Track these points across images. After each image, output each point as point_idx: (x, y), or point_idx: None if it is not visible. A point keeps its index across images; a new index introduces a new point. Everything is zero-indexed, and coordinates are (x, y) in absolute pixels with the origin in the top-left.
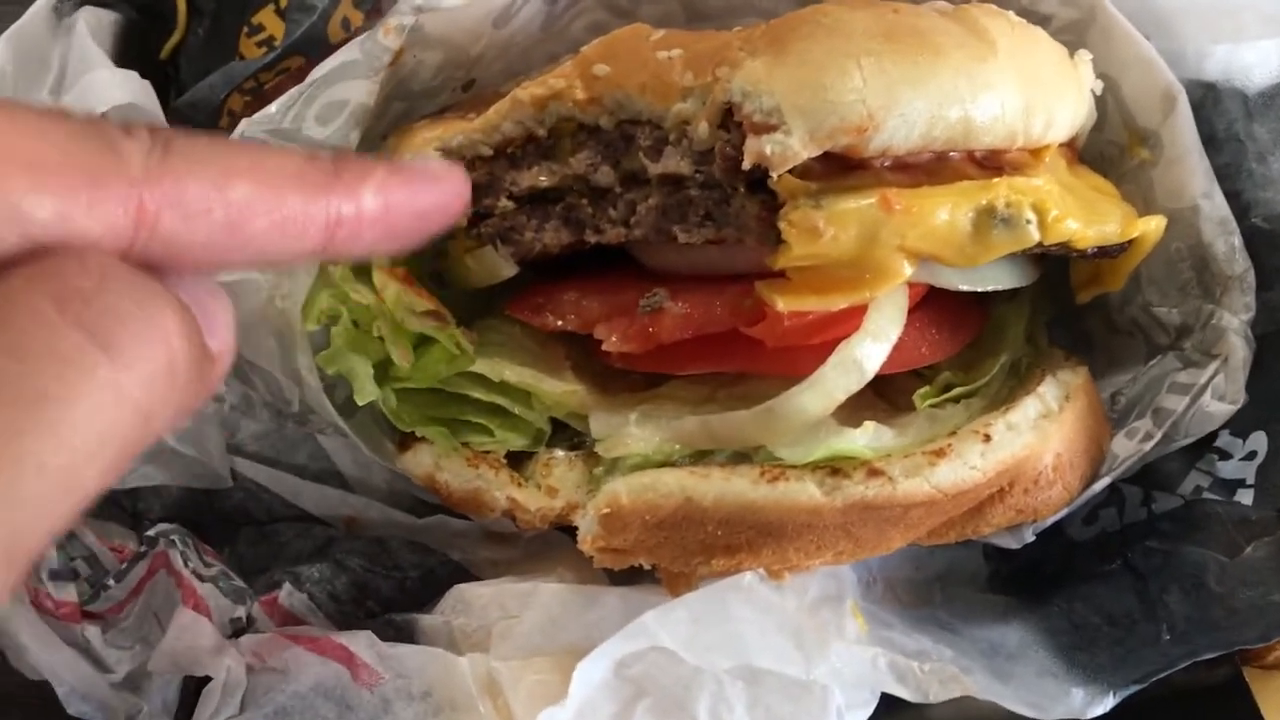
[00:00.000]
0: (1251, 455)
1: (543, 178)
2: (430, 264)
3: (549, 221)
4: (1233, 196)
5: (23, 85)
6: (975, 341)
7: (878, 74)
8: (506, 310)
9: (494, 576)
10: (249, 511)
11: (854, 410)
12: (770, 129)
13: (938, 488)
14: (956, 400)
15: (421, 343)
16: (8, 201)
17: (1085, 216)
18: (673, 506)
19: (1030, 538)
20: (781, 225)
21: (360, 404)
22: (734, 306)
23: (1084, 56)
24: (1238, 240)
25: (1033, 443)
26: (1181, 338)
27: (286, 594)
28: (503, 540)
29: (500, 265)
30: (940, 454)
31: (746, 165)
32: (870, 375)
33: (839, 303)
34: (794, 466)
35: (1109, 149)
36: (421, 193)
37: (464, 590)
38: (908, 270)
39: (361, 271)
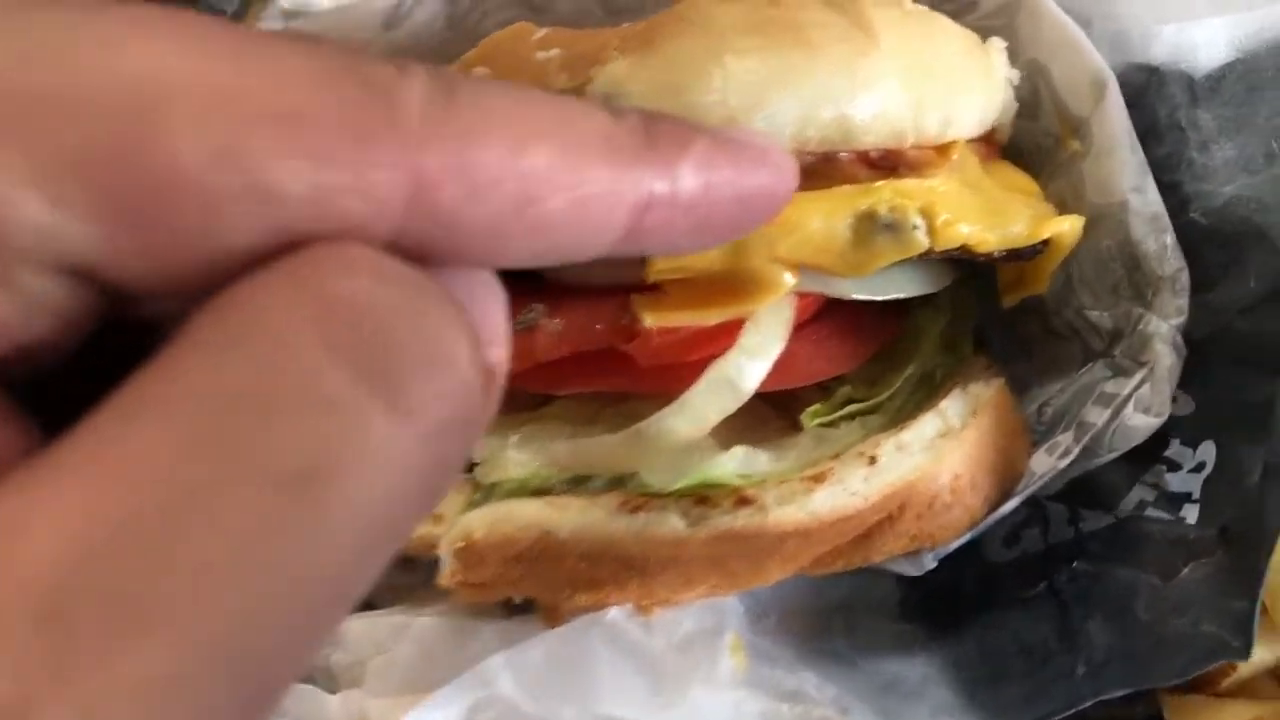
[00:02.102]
0: (1200, 467)
1: None
2: None
3: None
4: (1172, 190)
5: None
6: (887, 351)
7: (742, 73)
8: None
9: (392, 603)
10: None
11: (748, 430)
12: None
13: (814, 515)
14: (853, 417)
15: None
16: (251, 172)
17: (986, 219)
18: (529, 540)
19: (931, 564)
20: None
21: None
22: (612, 323)
23: (996, 44)
24: (1170, 238)
25: (925, 464)
26: (1114, 343)
27: None
28: (404, 565)
29: None
30: (819, 479)
31: None
32: (747, 395)
33: (713, 317)
34: (659, 495)
35: (1045, 140)
36: (749, 173)
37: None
38: (789, 281)
39: None
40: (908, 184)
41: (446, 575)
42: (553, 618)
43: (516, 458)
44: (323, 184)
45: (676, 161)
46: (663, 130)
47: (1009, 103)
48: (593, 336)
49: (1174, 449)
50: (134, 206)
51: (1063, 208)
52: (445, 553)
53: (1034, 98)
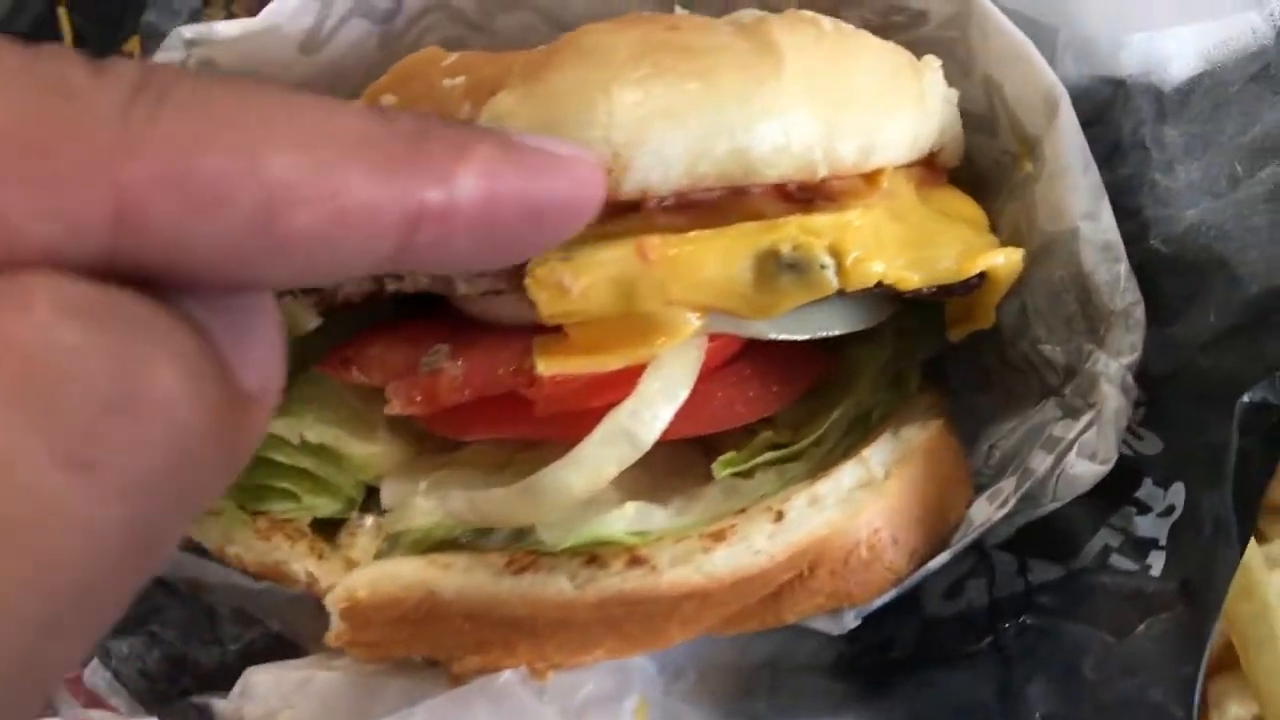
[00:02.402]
0: (1169, 510)
1: None
2: None
3: None
4: (1132, 215)
5: None
6: (822, 390)
7: (629, 105)
8: (315, 366)
9: (316, 650)
10: None
11: (664, 480)
12: None
13: (710, 577)
14: (772, 465)
15: None
16: None
17: (910, 253)
18: (414, 601)
19: (853, 623)
20: (527, 282)
21: None
22: (516, 367)
23: (930, 63)
24: (1124, 268)
25: (838, 519)
26: (1067, 380)
27: (90, 672)
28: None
29: (303, 316)
30: (719, 537)
31: None
32: (646, 445)
33: (612, 363)
34: (549, 554)
35: (1003, 158)
36: (542, 182)
37: (251, 674)
38: (694, 324)
39: None
40: (817, 220)
41: (333, 636)
42: (455, 677)
43: (423, 506)
44: None
45: (453, 169)
46: (439, 135)
47: (950, 124)
48: (495, 381)
49: (1146, 489)
50: None
51: (1017, 233)
52: (331, 612)
53: (991, 114)
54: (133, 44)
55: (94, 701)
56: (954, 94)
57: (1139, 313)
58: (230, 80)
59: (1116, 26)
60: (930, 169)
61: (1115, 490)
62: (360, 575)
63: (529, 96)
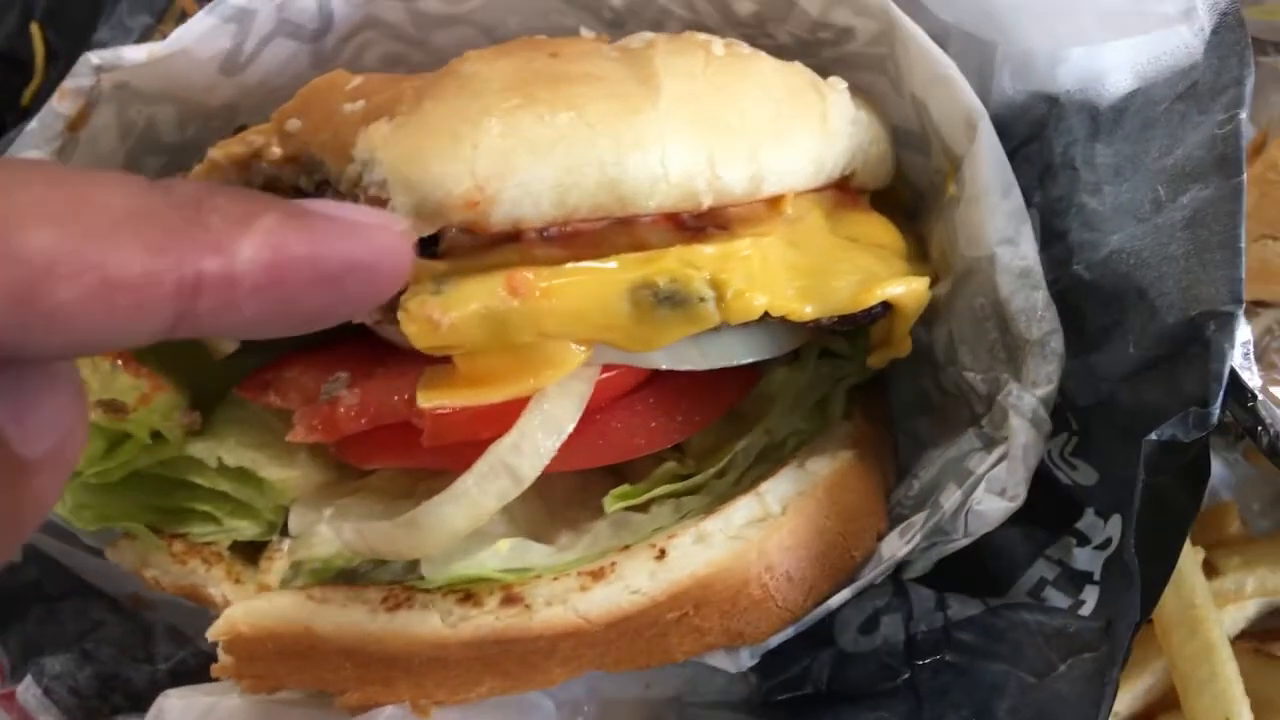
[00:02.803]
0: (1106, 544)
1: None
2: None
3: None
4: (1059, 238)
5: None
6: (736, 417)
7: (495, 137)
8: (236, 389)
9: None
10: (41, 587)
11: (566, 511)
12: (381, 203)
13: (585, 617)
14: (671, 497)
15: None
16: None
17: (804, 282)
18: (293, 635)
19: (749, 661)
20: (399, 315)
21: None
22: (411, 396)
23: (836, 85)
24: (1042, 296)
25: (724, 558)
26: (986, 411)
27: (24, 688)
28: None
29: (220, 341)
30: (598, 575)
31: None
32: (528, 480)
33: (493, 395)
34: (425, 590)
35: (936, 178)
36: (335, 248)
37: (165, 698)
38: (579, 355)
39: None
40: (699, 251)
41: (219, 667)
42: (347, 708)
43: (325, 534)
44: None
45: (234, 238)
46: (220, 206)
47: (864, 146)
48: (390, 410)
49: (1087, 520)
50: None
51: (943, 258)
52: (217, 645)
53: (922, 133)
54: None
55: (24, 717)
56: (863, 115)
57: (1056, 342)
58: None
59: (1053, 42)
60: (844, 193)
61: (1054, 520)
62: (239, 609)
63: (403, 126)
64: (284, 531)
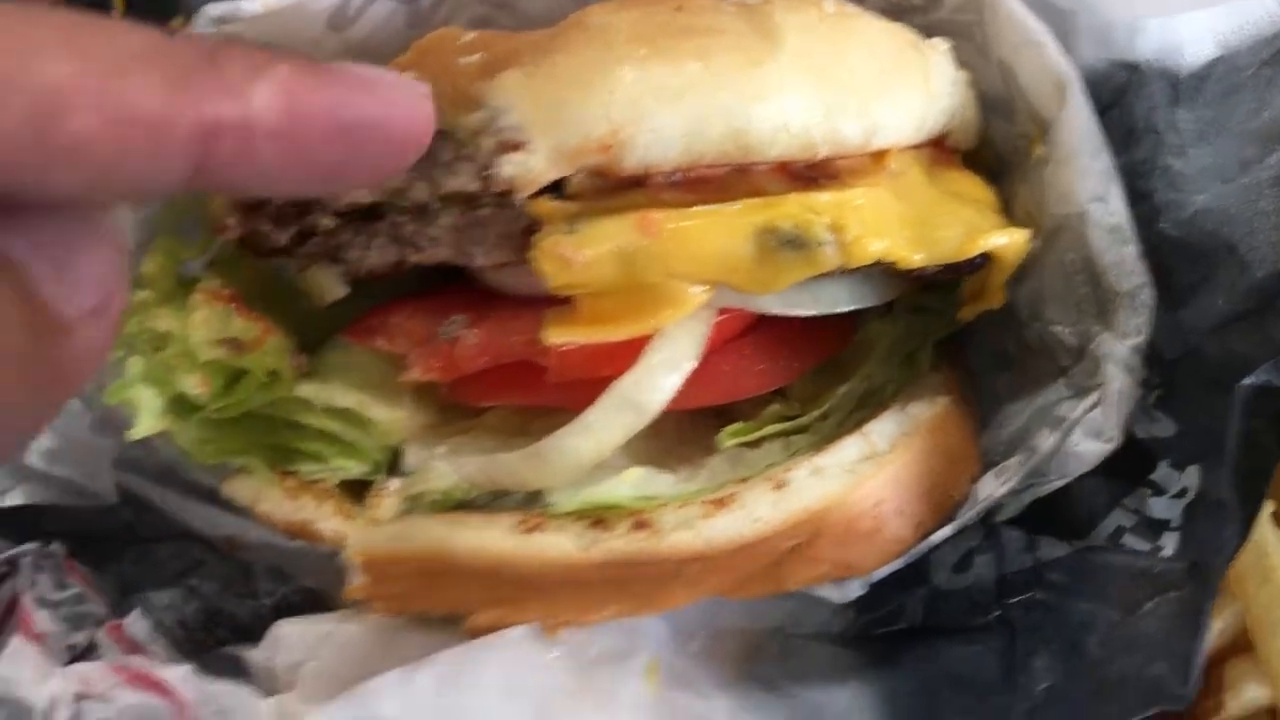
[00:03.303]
0: (1183, 493)
1: (362, 194)
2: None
3: (375, 239)
4: (1144, 198)
5: None
6: (835, 365)
7: (628, 85)
8: (342, 333)
9: (347, 606)
10: (135, 529)
11: (675, 448)
12: (515, 148)
13: (710, 542)
14: (778, 437)
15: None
16: None
17: (913, 232)
18: (430, 557)
19: (858, 591)
20: (532, 254)
21: (136, 438)
22: (530, 336)
23: (937, 46)
24: (1131, 250)
25: (839, 491)
26: (1076, 362)
27: (132, 620)
28: None
29: (330, 285)
30: (721, 504)
31: (496, 188)
32: (652, 414)
33: (619, 333)
34: (557, 516)
35: (1020, 142)
36: (351, 101)
37: (279, 627)
38: (699, 297)
39: (174, 294)
40: (818, 198)
41: (355, 588)
42: (471, 632)
43: (442, 469)
44: None
45: (249, 82)
46: (236, 55)
47: (961, 107)
48: (510, 349)
49: (1161, 472)
50: None
51: (1028, 217)
52: (352, 565)
53: (1008, 97)
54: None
55: (134, 648)
56: (962, 76)
57: (1146, 295)
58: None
59: (1132, 11)
60: (940, 151)
61: (1130, 472)
62: (378, 532)
63: (534, 75)
64: (389, 471)
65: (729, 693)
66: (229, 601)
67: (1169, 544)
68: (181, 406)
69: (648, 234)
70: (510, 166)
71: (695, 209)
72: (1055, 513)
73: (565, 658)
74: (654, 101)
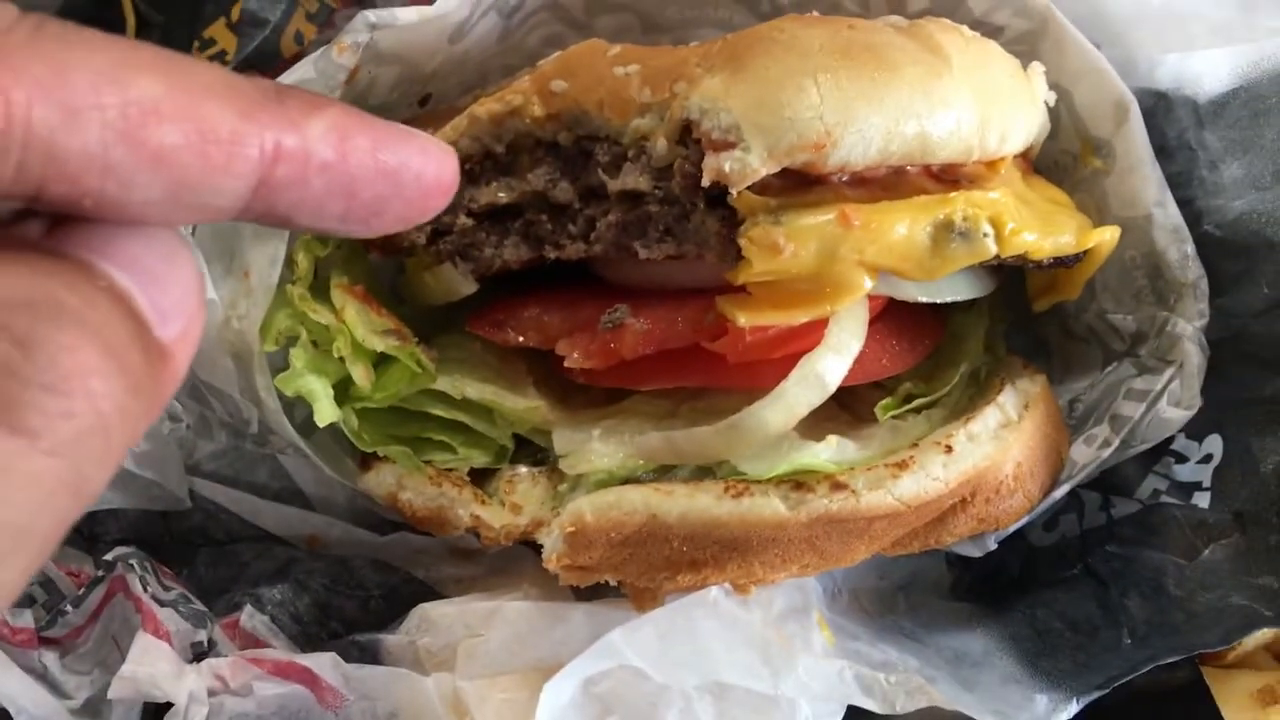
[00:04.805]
0: (1208, 458)
1: (501, 194)
2: (388, 281)
3: (508, 238)
4: (1184, 204)
5: None
6: (935, 352)
7: (834, 91)
8: (467, 327)
9: (458, 594)
10: (208, 532)
11: (817, 423)
12: (729, 146)
13: (900, 500)
14: (918, 411)
15: (381, 361)
16: None
17: (1041, 228)
18: (637, 524)
19: (992, 546)
20: (742, 242)
21: (320, 426)
22: (695, 322)
23: (1037, 69)
24: (1190, 248)
25: (993, 453)
26: (1137, 344)
27: (248, 616)
28: (466, 557)
29: (459, 282)
30: (903, 466)
31: (705, 182)
32: (832, 388)
33: (799, 317)
34: (757, 481)
35: (1063, 158)
36: (391, 147)
37: (428, 609)
38: (868, 284)
39: (320, 290)
40: (976, 195)
41: (554, 559)
42: (643, 601)
43: (601, 450)
44: None
45: (307, 118)
46: (295, 95)
47: (1045, 123)
48: (677, 334)
49: (1180, 443)
50: None
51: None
52: (554, 536)
53: (1055, 119)
54: (214, 29)
55: (252, 643)
56: (1053, 96)
57: (1204, 285)
58: (88, 28)
59: (1160, 48)
60: (1026, 160)
61: (1153, 447)
62: (587, 501)
63: (736, 82)
64: (512, 459)
65: (884, 640)
66: (336, 596)
67: (1200, 502)
68: (340, 396)
69: (849, 225)
70: (730, 162)
71: (882, 204)
72: (1111, 478)
73: (758, 611)
74: (861, 104)
